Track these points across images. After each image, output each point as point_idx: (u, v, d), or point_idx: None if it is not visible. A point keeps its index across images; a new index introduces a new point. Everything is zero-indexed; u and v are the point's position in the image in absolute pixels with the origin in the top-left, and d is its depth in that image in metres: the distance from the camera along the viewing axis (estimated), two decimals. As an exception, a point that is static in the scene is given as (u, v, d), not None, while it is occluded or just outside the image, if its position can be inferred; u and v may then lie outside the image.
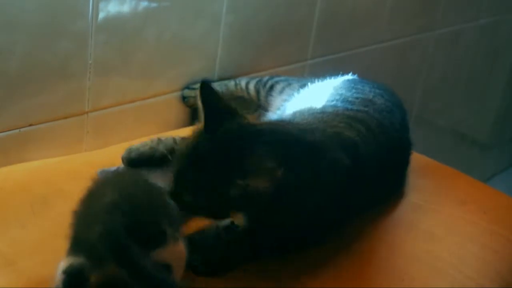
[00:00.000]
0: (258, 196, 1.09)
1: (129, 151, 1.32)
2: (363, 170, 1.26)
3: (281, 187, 1.09)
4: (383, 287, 1.21)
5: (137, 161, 1.30)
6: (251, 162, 1.08)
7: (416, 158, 1.56)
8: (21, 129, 1.43)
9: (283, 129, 1.19)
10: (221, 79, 1.74)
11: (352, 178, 1.22)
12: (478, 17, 2.65)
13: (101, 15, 1.45)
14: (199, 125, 1.16)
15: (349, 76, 1.63)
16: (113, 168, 1.29)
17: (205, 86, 1.16)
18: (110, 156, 1.41)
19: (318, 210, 1.17)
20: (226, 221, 1.16)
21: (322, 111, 1.38)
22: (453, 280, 1.23)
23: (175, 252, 1.01)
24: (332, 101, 1.43)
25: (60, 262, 0.97)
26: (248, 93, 1.70)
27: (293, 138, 1.16)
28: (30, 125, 1.44)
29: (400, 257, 1.29)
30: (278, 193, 1.09)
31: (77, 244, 0.98)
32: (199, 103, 1.15)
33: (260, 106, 1.68)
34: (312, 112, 1.38)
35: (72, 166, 1.44)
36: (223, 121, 1.14)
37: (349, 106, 1.41)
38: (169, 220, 1.01)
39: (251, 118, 1.18)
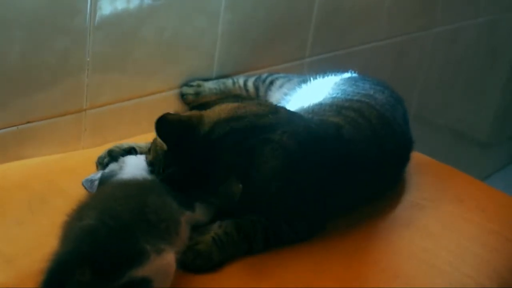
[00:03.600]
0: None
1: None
2: (348, 150, 1.31)
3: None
4: (378, 285, 1.22)
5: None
6: (217, 180, 1.17)
7: (415, 156, 1.56)
8: (19, 127, 1.42)
9: (236, 127, 1.22)
10: (219, 77, 1.74)
11: (334, 157, 1.28)
12: (477, 15, 2.65)
13: (99, 13, 1.44)
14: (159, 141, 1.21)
15: (350, 74, 1.64)
16: (97, 175, 1.27)
17: (160, 123, 1.20)
18: (108, 154, 1.41)
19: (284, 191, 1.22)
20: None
21: (320, 103, 1.42)
22: (451, 278, 1.23)
23: (158, 266, 1.02)
24: (333, 94, 1.46)
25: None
26: (247, 90, 1.70)
27: (245, 133, 1.22)
28: (28, 122, 1.44)
29: (397, 254, 1.29)
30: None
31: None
32: (158, 139, 1.22)
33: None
34: (311, 106, 1.41)
35: (70, 163, 1.44)
36: (183, 139, 1.20)
37: (349, 98, 1.43)
38: (152, 235, 1.03)
39: (207, 117, 1.23)
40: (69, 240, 1.01)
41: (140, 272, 0.99)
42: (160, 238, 1.04)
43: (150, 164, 1.24)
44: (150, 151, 1.25)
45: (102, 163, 1.35)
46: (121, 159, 1.30)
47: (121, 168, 1.27)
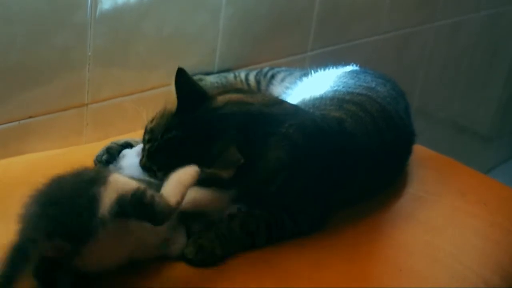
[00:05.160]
0: (223, 180, 1.17)
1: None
2: (350, 144, 1.31)
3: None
4: (381, 278, 1.22)
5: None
6: (217, 151, 1.16)
7: (417, 150, 1.56)
8: (21, 121, 1.43)
9: (245, 109, 1.23)
10: (220, 71, 1.74)
11: (336, 150, 1.28)
12: (478, 8, 2.64)
13: (100, 7, 1.44)
14: (170, 105, 1.22)
15: (352, 67, 1.64)
16: None
17: (181, 73, 1.22)
18: (110, 148, 1.41)
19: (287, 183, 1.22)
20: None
21: (321, 97, 1.42)
22: (453, 271, 1.23)
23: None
24: (334, 87, 1.46)
25: None
26: (248, 84, 1.70)
27: (256, 116, 1.22)
28: (30, 117, 1.44)
29: (399, 247, 1.30)
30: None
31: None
32: (173, 88, 1.22)
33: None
34: (312, 99, 1.41)
35: (72, 158, 1.44)
36: (194, 104, 1.21)
37: (350, 91, 1.43)
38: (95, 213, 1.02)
39: (219, 98, 1.24)
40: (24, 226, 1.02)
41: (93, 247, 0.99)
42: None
43: (150, 131, 1.22)
44: (152, 121, 1.24)
45: (101, 161, 1.34)
46: (118, 163, 1.29)
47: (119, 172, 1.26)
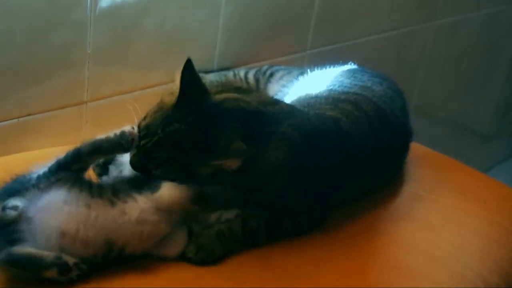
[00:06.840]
0: (227, 174, 1.16)
1: None
2: (347, 143, 1.31)
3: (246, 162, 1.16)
4: (379, 276, 1.22)
5: None
6: (224, 144, 1.15)
7: (416, 148, 1.56)
8: (20, 119, 1.43)
9: (244, 106, 1.22)
10: (220, 69, 1.74)
11: (336, 150, 1.28)
12: (478, 7, 2.64)
13: (100, 5, 1.44)
14: (168, 98, 1.21)
15: (349, 66, 1.64)
16: None
17: (189, 65, 1.23)
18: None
19: (289, 182, 1.22)
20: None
21: (316, 96, 1.42)
22: (452, 269, 1.23)
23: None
24: (330, 86, 1.46)
25: None
26: (247, 82, 1.70)
27: (254, 113, 1.22)
28: (29, 114, 1.44)
29: (398, 246, 1.30)
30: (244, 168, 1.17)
31: None
32: (177, 78, 1.21)
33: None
34: (307, 98, 1.41)
35: (71, 156, 1.44)
36: (194, 99, 1.20)
37: (345, 90, 1.43)
38: None
39: (217, 96, 1.23)
40: None
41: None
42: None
43: (145, 127, 1.20)
44: (146, 117, 1.22)
45: (99, 165, 1.29)
46: (118, 161, 1.28)
47: (121, 172, 1.26)
